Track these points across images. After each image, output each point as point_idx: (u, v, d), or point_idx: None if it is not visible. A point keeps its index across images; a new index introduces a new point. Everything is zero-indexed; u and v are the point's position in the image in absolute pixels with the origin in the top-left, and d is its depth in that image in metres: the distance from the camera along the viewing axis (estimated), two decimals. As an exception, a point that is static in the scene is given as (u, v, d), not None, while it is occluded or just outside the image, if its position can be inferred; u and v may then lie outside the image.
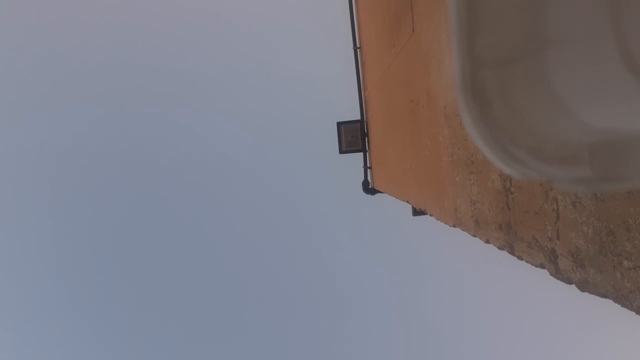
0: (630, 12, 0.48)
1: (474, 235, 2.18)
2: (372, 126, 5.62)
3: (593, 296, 1.25)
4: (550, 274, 1.48)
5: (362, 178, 6.14)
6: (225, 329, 16.31)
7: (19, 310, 16.19)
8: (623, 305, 1.12)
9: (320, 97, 14.77)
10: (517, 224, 1.70)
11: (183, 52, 16.04)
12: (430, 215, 3.03)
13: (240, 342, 16.16)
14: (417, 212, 4.85)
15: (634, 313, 1.08)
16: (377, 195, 5.87)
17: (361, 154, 6.17)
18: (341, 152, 6.24)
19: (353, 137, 6.11)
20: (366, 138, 6.10)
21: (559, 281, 1.42)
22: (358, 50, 6.02)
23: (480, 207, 2.06)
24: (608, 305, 1.18)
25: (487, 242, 2.03)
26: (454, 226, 2.49)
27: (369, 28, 5.17)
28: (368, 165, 6.10)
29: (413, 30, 2.99)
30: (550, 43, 0.52)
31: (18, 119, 15.55)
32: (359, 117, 6.09)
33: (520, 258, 1.71)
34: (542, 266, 1.54)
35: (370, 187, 6.04)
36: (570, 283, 1.36)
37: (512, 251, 1.78)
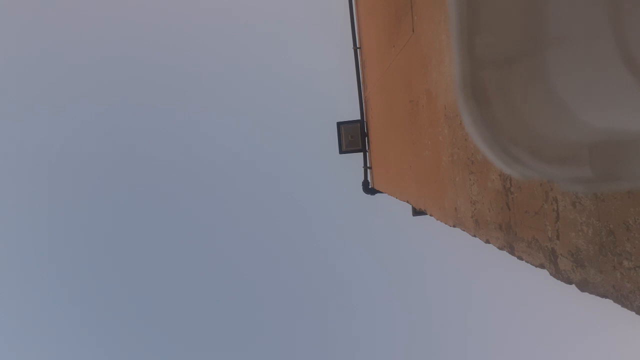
0: (630, 12, 0.48)
1: (474, 235, 2.18)
2: (372, 126, 5.62)
3: (593, 296, 1.25)
4: (550, 274, 1.48)
5: (362, 178, 6.14)
6: (225, 329, 16.32)
7: (19, 311, 16.20)
8: (623, 305, 1.12)
9: (320, 97, 14.77)
10: (517, 224, 1.70)
11: (182, 53, 16.04)
12: (430, 215, 3.03)
13: (238, 342, 16.17)
14: (417, 212, 4.86)
15: (634, 313, 1.08)
16: (377, 195, 5.87)
17: (361, 154, 6.17)
18: (341, 152, 6.24)
19: (353, 137, 6.11)
20: (366, 138, 6.10)
21: (559, 281, 1.43)
22: (358, 50, 6.02)
23: (480, 207, 2.06)
24: (608, 305, 1.18)
25: (487, 242, 2.03)
26: (454, 226, 2.49)
27: (369, 28, 5.17)
28: (368, 165, 6.10)
29: (413, 31, 2.99)
30: (550, 43, 0.52)
31: (20, 118, 15.55)
32: (359, 117, 6.09)
33: (520, 258, 1.71)
34: (542, 266, 1.54)
35: (370, 187, 6.04)
36: (570, 283, 1.36)
37: (512, 251, 1.78)
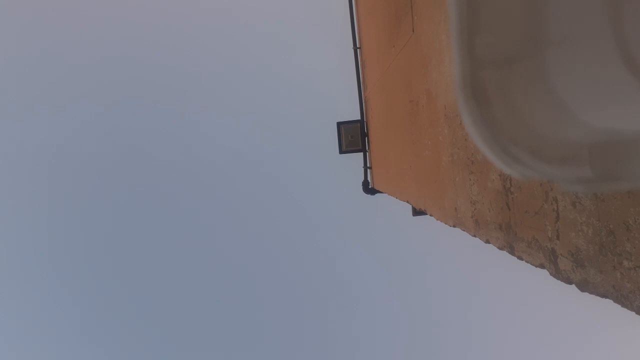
0: (630, 12, 0.48)
1: (474, 236, 2.18)
2: (372, 126, 5.62)
3: (593, 296, 1.25)
4: (550, 274, 1.48)
5: (362, 178, 6.14)
6: (225, 329, 16.31)
7: (19, 311, 16.19)
8: (623, 305, 1.12)
9: (320, 97, 14.77)
10: (517, 224, 1.70)
11: (183, 53, 16.03)
12: (430, 215, 3.03)
13: (238, 342, 16.16)
14: (417, 212, 4.85)
15: (634, 313, 1.08)
16: (377, 195, 5.87)
17: (361, 154, 6.17)
18: (341, 152, 6.24)
19: (353, 137, 6.11)
20: (366, 138, 6.10)
21: (559, 281, 1.43)
22: (358, 50, 6.01)
23: (480, 207, 2.06)
24: (608, 305, 1.18)
25: (487, 242, 2.03)
26: (454, 226, 2.49)
27: (369, 28, 5.17)
28: (368, 165, 6.10)
29: (413, 31, 2.99)
30: (551, 43, 0.52)
31: (20, 118, 15.55)
32: (359, 117, 6.09)
33: (520, 258, 1.71)
34: (542, 266, 1.54)
35: (370, 187, 6.04)
36: (570, 283, 1.36)
37: (512, 251, 1.78)
